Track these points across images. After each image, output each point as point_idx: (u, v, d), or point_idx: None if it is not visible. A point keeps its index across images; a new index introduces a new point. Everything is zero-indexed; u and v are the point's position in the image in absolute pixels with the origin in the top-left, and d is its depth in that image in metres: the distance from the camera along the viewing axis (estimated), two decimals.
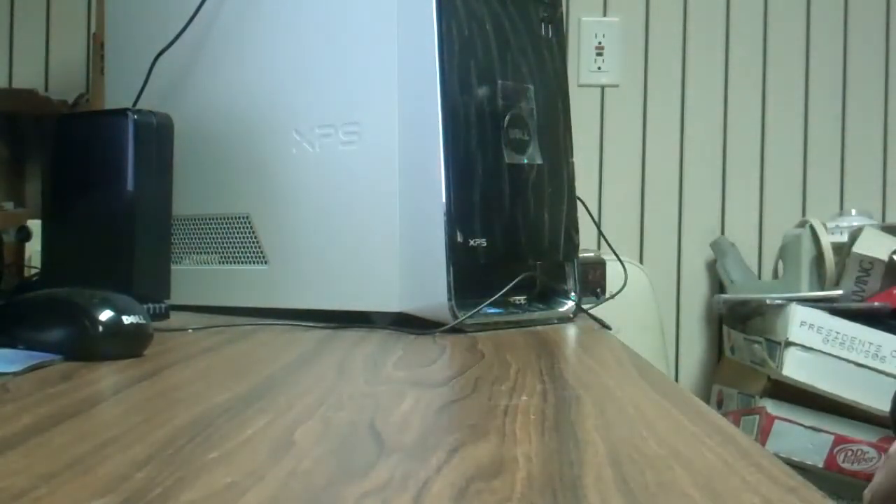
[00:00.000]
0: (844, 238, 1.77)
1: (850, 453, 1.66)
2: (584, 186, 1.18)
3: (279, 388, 0.60)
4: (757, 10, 2.07)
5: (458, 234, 0.89)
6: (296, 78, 1.00)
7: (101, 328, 0.67)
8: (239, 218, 1.05)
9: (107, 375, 0.62)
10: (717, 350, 2.05)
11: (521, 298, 0.99)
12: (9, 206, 1.47)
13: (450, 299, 0.88)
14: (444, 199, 0.89)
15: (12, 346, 0.69)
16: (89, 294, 0.69)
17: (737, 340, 1.84)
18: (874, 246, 1.71)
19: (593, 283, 1.17)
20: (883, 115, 2.08)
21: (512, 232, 0.97)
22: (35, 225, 1.11)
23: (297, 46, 1.00)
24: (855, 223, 1.83)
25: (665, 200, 2.06)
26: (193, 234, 1.08)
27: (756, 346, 1.74)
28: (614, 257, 1.17)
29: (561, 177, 1.04)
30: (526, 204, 0.98)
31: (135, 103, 1.03)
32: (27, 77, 1.99)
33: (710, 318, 2.06)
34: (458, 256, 0.89)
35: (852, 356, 1.63)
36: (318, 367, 0.70)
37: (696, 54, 2.07)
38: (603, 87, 2.06)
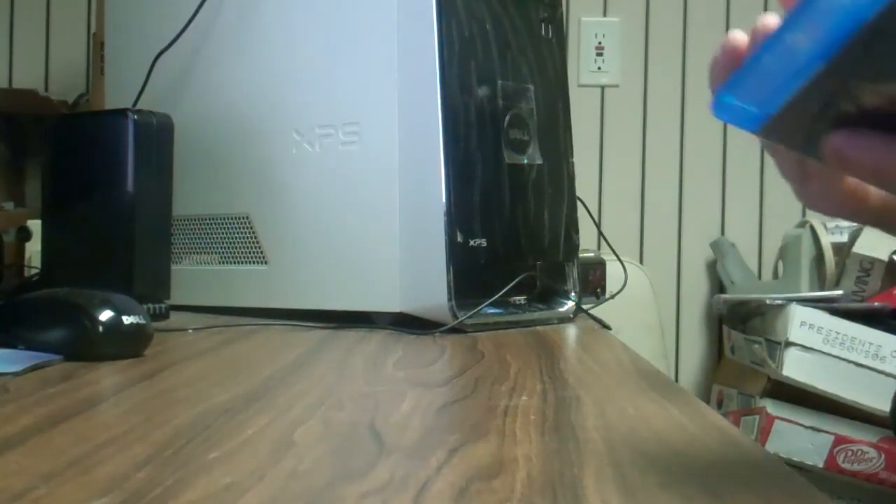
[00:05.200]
0: (844, 238, 1.77)
1: (850, 453, 1.66)
2: (584, 186, 1.18)
3: (279, 389, 0.60)
4: (757, 10, 2.07)
5: (458, 234, 0.89)
6: (296, 78, 1.00)
7: (101, 328, 0.67)
8: (239, 218, 1.05)
9: (107, 375, 0.62)
10: (717, 350, 2.05)
11: (521, 298, 0.99)
12: (9, 206, 1.47)
13: (450, 299, 0.88)
14: (444, 199, 0.89)
15: (12, 346, 0.69)
16: (89, 294, 0.69)
17: (737, 340, 1.84)
18: (874, 246, 1.71)
19: (593, 283, 1.17)
20: None
21: (512, 232, 0.97)
22: (35, 225, 1.11)
23: (296, 46, 1.00)
24: (855, 223, 1.83)
25: (665, 200, 2.06)
26: (193, 234, 1.08)
27: (756, 346, 1.74)
28: (614, 257, 1.17)
29: (561, 177, 1.04)
30: (526, 204, 0.98)
31: (135, 103, 1.03)
32: (27, 77, 1.99)
33: (710, 318, 2.06)
34: (458, 256, 0.89)
35: (852, 356, 1.63)
36: (318, 367, 0.70)
37: (696, 54, 2.07)
38: (603, 87, 2.06)
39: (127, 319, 0.68)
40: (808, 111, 0.36)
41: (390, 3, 0.92)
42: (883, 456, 1.65)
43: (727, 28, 2.06)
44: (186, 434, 0.44)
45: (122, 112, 0.94)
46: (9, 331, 0.70)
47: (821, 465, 1.66)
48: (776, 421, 1.67)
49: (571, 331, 0.98)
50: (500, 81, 0.96)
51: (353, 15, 0.95)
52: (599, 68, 2.05)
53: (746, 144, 2.07)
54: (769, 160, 2.18)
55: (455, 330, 0.88)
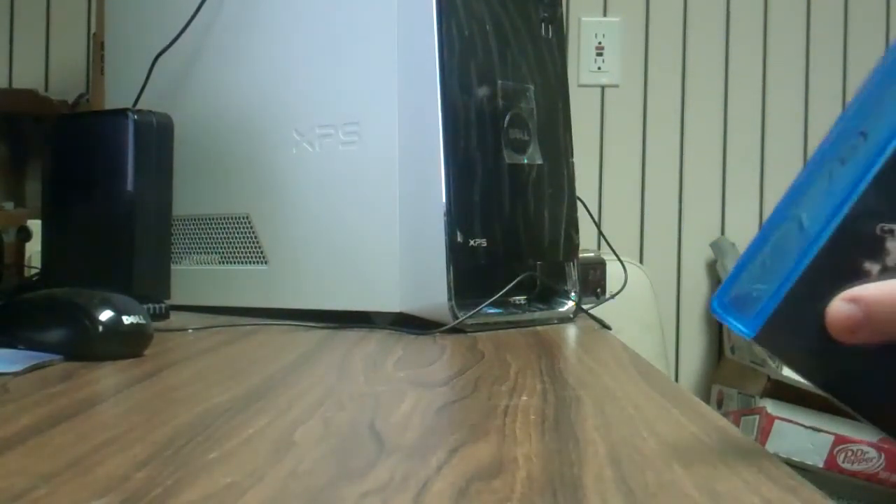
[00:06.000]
0: None
1: (850, 453, 1.66)
2: (584, 186, 1.18)
3: (279, 388, 0.60)
4: (757, 10, 2.07)
5: (458, 234, 0.89)
6: (296, 78, 1.00)
7: (101, 328, 0.67)
8: (239, 218, 1.05)
9: (107, 375, 0.62)
10: (717, 350, 2.05)
11: (521, 298, 0.99)
12: (9, 206, 1.47)
13: (450, 299, 0.88)
14: (444, 199, 0.89)
15: (12, 346, 0.69)
16: (89, 294, 0.69)
17: (737, 340, 1.84)
18: None
19: (593, 283, 1.17)
20: None
21: (512, 232, 0.97)
22: (35, 225, 1.11)
23: (296, 46, 1.00)
24: None
25: (665, 200, 2.06)
26: (193, 234, 1.08)
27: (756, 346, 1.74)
28: (614, 257, 1.17)
29: (561, 177, 1.04)
30: (526, 204, 0.98)
31: (135, 103, 1.03)
32: (27, 77, 1.99)
33: (710, 318, 2.06)
34: (458, 256, 0.89)
35: None
36: (318, 367, 0.70)
37: (696, 54, 2.07)
38: (603, 87, 2.06)
39: (127, 319, 0.68)
40: (820, 293, 0.34)
41: (390, 3, 0.92)
42: (883, 456, 1.65)
43: (727, 28, 2.06)
44: (186, 434, 0.44)
45: (122, 112, 0.94)
46: (9, 331, 0.70)
47: (821, 465, 1.66)
48: (776, 421, 1.67)
49: (571, 331, 0.98)
50: (500, 81, 0.96)
51: (353, 15, 0.95)
52: (599, 68, 2.05)
53: (746, 144, 2.07)
54: (769, 160, 2.19)
55: (455, 330, 0.88)
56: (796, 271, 0.35)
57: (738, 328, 0.36)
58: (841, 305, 0.35)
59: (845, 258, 0.34)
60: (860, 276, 0.34)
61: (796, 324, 0.35)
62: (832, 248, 0.34)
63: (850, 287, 0.35)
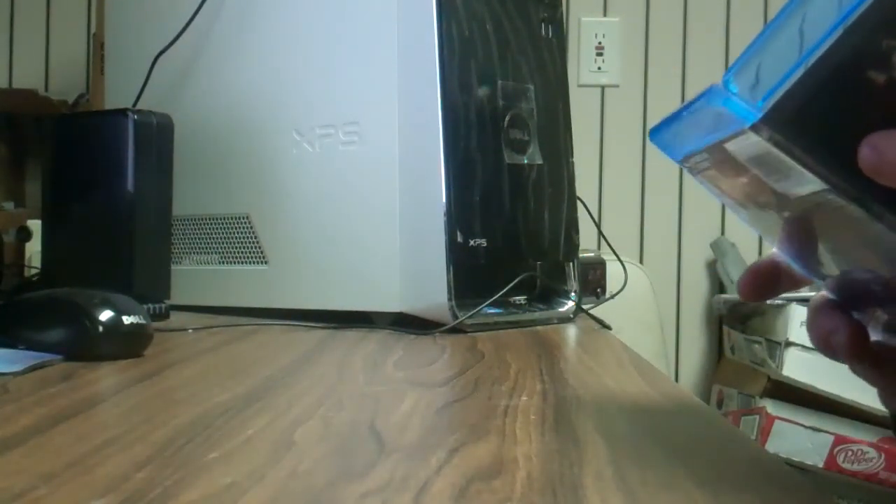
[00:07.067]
0: None
1: (850, 453, 1.66)
2: (584, 186, 1.18)
3: (279, 389, 0.60)
4: (757, 10, 2.07)
5: (458, 234, 0.89)
6: (296, 78, 1.00)
7: (101, 328, 0.67)
8: (239, 218, 1.05)
9: (107, 375, 0.62)
10: (717, 350, 2.05)
11: (521, 298, 0.99)
12: (9, 206, 1.47)
13: (450, 299, 0.88)
14: (444, 199, 0.89)
15: (12, 346, 0.69)
16: (89, 294, 0.69)
17: (737, 340, 1.84)
18: None
19: (593, 283, 1.17)
20: None
21: (512, 232, 0.97)
22: (35, 225, 1.11)
23: (297, 46, 1.00)
24: None
25: (665, 200, 2.06)
26: (193, 234, 1.08)
27: (756, 346, 1.75)
28: (614, 257, 1.17)
29: (561, 177, 1.04)
30: (526, 204, 0.98)
31: (135, 103, 1.03)
32: (27, 77, 1.99)
33: (710, 318, 2.06)
34: (458, 256, 0.89)
35: None
36: (318, 367, 0.70)
37: (696, 54, 2.07)
38: (603, 87, 2.06)
39: (127, 319, 0.68)
40: (829, 100, 0.34)
41: (390, 3, 0.92)
42: (883, 456, 1.65)
43: (727, 28, 2.06)
44: (186, 434, 0.44)
45: (122, 112, 0.94)
46: (9, 331, 0.70)
47: (821, 465, 1.66)
48: (776, 421, 1.68)
49: (571, 331, 0.98)
50: (500, 81, 0.96)
51: (353, 15, 0.95)
52: (599, 68, 2.05)
53: None
54: None
55: (455, 330, 0.88)
56: (802, 64, 0.34)
57: (744, 108, 0.35)
58: (867, 152, 0.34)
59: (849, 66, 0.34)
60: (866, 85, 0.34)
61: (806, 114, 0.35)
62: (837, 51, 0.34)
63: (858, 98, 0.34)
